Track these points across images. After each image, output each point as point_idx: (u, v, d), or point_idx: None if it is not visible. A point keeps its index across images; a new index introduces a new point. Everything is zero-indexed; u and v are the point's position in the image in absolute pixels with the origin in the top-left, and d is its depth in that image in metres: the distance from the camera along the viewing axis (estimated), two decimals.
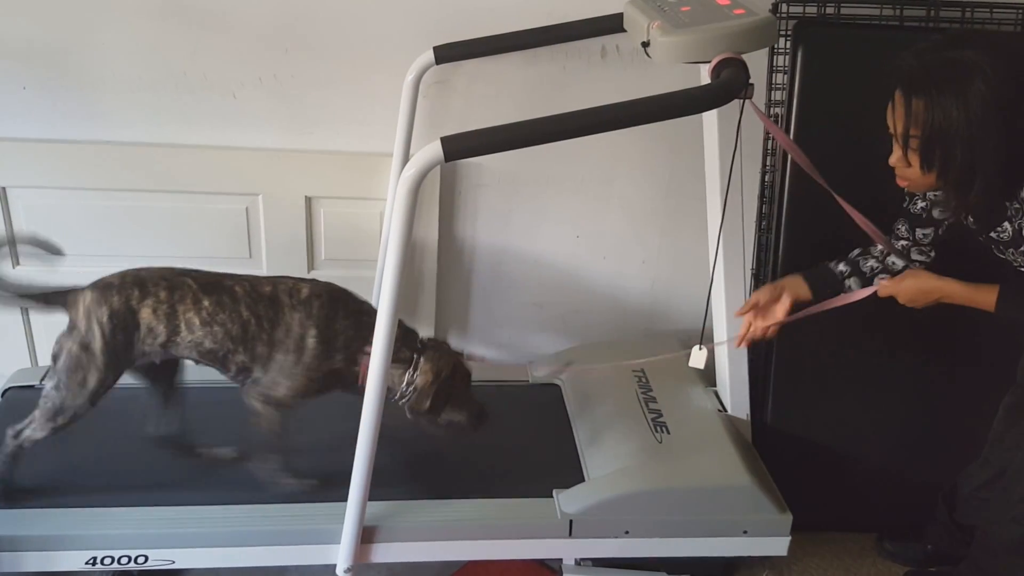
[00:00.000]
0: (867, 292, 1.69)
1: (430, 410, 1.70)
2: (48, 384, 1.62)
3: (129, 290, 1.59)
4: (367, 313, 1.68)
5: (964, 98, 1.33)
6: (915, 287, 1.61)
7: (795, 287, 1.73)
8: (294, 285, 1.67)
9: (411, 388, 1.68)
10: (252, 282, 1.66)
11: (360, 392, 1.63)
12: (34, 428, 1.62)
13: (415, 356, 1.69)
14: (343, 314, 1.65)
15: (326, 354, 1.63)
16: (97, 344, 1.57)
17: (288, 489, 1.72)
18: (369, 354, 1.61)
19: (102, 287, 1.60)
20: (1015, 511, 1.71)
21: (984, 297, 1.53)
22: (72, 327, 1.59)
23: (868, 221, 1.62)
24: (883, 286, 1.66)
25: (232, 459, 1.81)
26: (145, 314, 1.59)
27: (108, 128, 2.03)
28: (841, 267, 1.73)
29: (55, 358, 1.61)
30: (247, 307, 1.62)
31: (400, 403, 1.70)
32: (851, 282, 1.72)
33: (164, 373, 1.76)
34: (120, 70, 1.99)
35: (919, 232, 1.68)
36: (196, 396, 1.87)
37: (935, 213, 1.65)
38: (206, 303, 1.61)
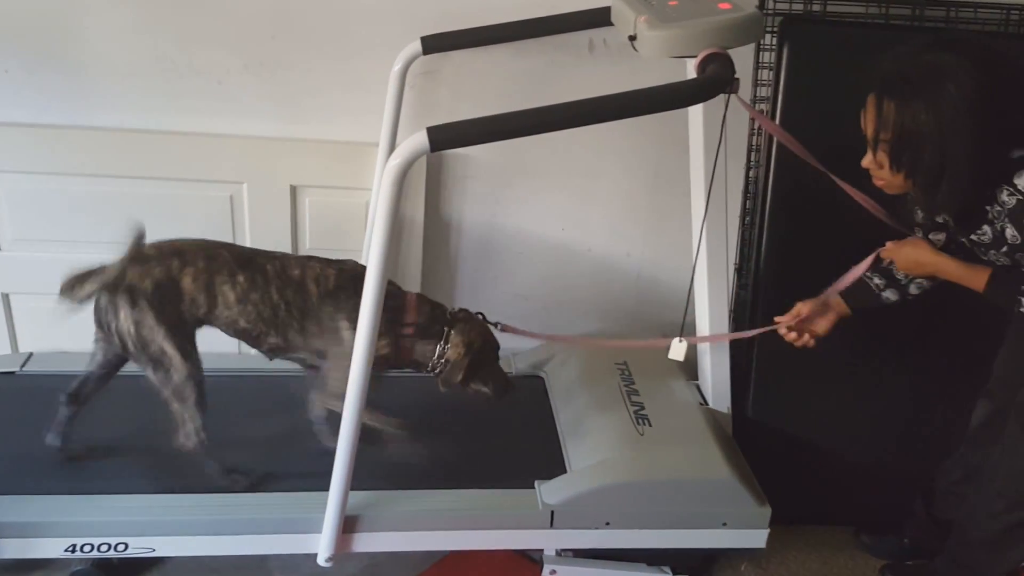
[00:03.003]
0: (871, 259, 1.69)
1: (462, 381, 1.72)
2: (149, 373, 1.61)
3: (169, 260, 1.59)
4: (392, 295, 1.67)
5: (935, 103, 1.35)
6: (912, 257, 1.62)
7: (839, 305, 1.73)
8: (321, 271, 1.67)
9: (443, 361, 1.70)
10: (282, 262, 1.66)
11: (410, 367, 1.72)
12: (184, 419, 1.62)
13: (446, 329, 1.71)
14: None
15: None
16: (150, 318, 1.57)
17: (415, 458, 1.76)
18: (407, 335, 1.67)
19: (141, 259, 1.59)
20: (991, 507, 1.73)
21: (976, 278, 1.54)
22: (116, 307, 1.57)
23: (866, 196, 1.63)
24: (886, 249, 1.67)
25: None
26: (186, 283, 1.59)
27: (92, 113, 2.01)
28: (876, 280, 1.71)
29: (124, 347, 1.60)
30: (277, 290, 1.63)
31: (433, 375, 1.73)
32: (888, 293, 1.70)
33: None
34: (105, 55, 1.97)
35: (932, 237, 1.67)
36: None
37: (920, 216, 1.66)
38: (240, 278, 1.61)
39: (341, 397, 1.63)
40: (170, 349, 1.59)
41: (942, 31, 1.93)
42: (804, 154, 1.64)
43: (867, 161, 1.51)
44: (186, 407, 1.62)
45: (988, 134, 1.37)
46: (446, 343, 1.70)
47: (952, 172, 1.40)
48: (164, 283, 1.58)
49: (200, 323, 1.64)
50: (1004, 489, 1.70)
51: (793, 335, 1.73)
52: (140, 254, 1.60)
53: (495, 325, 1.85)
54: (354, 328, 1.61)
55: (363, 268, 1.69)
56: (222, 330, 1.67)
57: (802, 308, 1.73)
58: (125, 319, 1.57)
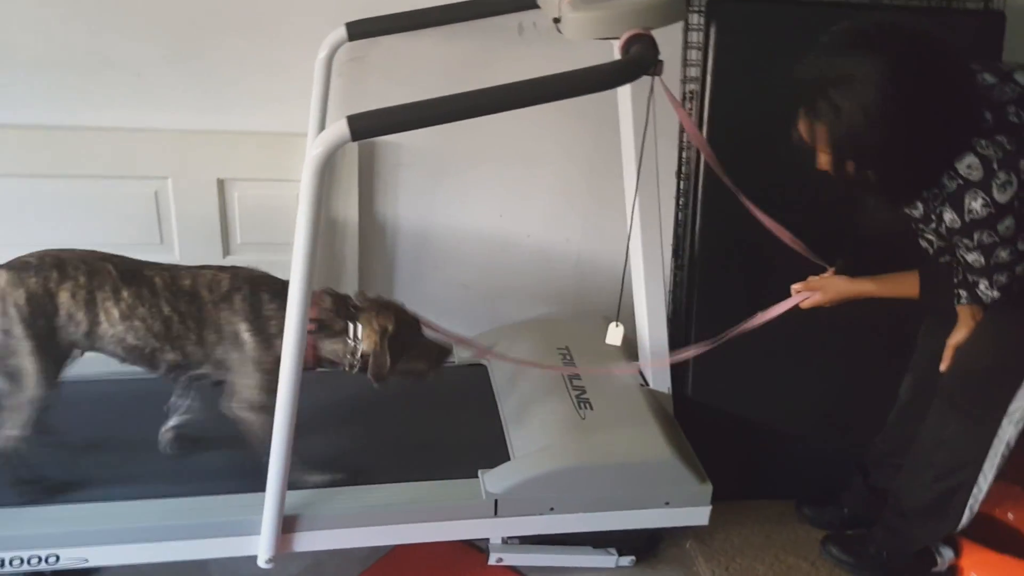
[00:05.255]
0: (788, 305, 1.74)
1: (390, 369, 1.66)
2: None
3: (47, 271, 1.53)
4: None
5: (865, 115, 1.32)
6: (837, 296, 1.68)
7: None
8: (213, 277, 1.62)
9: (359, 356, 1.64)
10: (172, 273, 1.61)
11: (310, 370, 1.62)
12: (10, 426, 1.55)
13: (349, 324, 1.64)
14: (268, 299, 1.61)
15: (266, 343, 1.60)
16: (18, 329, 1.51)
17: (315, 484, 1.69)
18: (309, 332, 1.58)
19: (19, 267, 1.53)
20: (922, 476, 1.78)
21: (904, 288, 1.60)
22: None
23: (775, 222, 1.67)
24: (804, 300, 1.72)
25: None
26: (64, 298, 1.53)
27: (5, 110, 1.92)
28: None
29: None
30: (167, 302, 1.57)
31: (352, 373, 1.67)
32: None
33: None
34: (16, 49, 1.89)
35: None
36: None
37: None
38: (125, 294, 1.55)
39: (252, 407, 1.62)
40: (30, 367, 1.52)
41: (877, 11, 1.93)
42: (714, 162, 1.65)
43: (819, 163, 1.47)
44: (18, 422, 1.55)
45: (923, 129, 1.34)
46: (355, 338, 1.64)
47: (903, 173, 1.41)
48: (38, 295, 1.51)
49: (77, 346, 1.58)
50: (933, 459, 1.75)
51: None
52: (20, 262, 1.54)
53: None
54: (254, 331, 1.59)
55: (259, 272, 1.66)
56: (111, 354, 1.60)
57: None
58: None
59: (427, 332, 1.78)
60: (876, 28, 1.35)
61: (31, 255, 1.56)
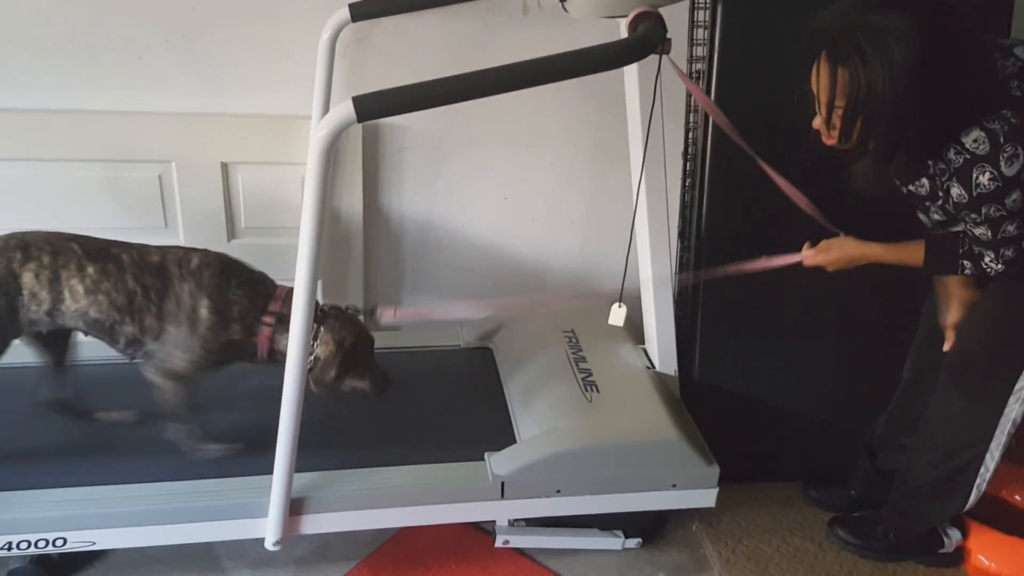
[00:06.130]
0: (792, 259, 1.71)
1: (335, 379, 1.66)
2: None
3: (11, 253, 1.54)
4: (261, 283, 1.65)
5: (890, 69, 1.31)
6: (843, 257, 1.65)
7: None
8: (184, 255, 1.62)
9: (312, 358, 1.64)
10: (140, 251, 1.61)
11: (260, 363, 1.63)
12: None
13: (315, 326, 1.64)
14: (236, 283, 1.61)
15: (221, 324, 1.60)
16: None
17: (211, 456, 1.68)
18: (268, 324, 1.61)
19: None
20: (928, 456, 1.77)
21: (911, 255, 1.57)
22: None
23: (792, 186, 1.63)
24: (809, 258, 1.69)
25: (131, 421, 1.77)
26: (27, 279, 1.53)
27: (6, 94, 1.92)
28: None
29: None
30: (133, 276, 1.57)
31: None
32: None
33: (56, 339, 1.70)
34: (16, 33, 1.88)
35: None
36: (98, 370, 1.83)
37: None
38: (90, 270, 1.55)
39: (165, 373, 1.61)
40: None
41: None
42: (730, 129, 1.63)
43: (818, 123, 1.47)
44: None
45: (940, 95, 1.34)
46: (315, 340, 1.64)
47: (906, 139, 1.39)
48: (2, 276, 1.52)
49: (36, 325, 1.58)
50: (939, 439, 1.74)
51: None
52: None
53: (369, 313, 1.80)
54: (213, 309, 1.58)
55: (232, 258, 1.65)
56: (73, 327, 1.60)
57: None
58: None
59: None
60: None
61: None
